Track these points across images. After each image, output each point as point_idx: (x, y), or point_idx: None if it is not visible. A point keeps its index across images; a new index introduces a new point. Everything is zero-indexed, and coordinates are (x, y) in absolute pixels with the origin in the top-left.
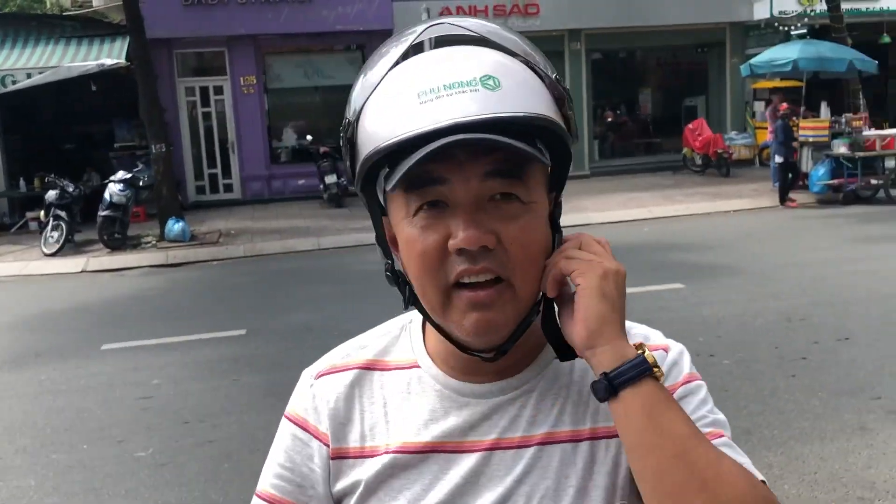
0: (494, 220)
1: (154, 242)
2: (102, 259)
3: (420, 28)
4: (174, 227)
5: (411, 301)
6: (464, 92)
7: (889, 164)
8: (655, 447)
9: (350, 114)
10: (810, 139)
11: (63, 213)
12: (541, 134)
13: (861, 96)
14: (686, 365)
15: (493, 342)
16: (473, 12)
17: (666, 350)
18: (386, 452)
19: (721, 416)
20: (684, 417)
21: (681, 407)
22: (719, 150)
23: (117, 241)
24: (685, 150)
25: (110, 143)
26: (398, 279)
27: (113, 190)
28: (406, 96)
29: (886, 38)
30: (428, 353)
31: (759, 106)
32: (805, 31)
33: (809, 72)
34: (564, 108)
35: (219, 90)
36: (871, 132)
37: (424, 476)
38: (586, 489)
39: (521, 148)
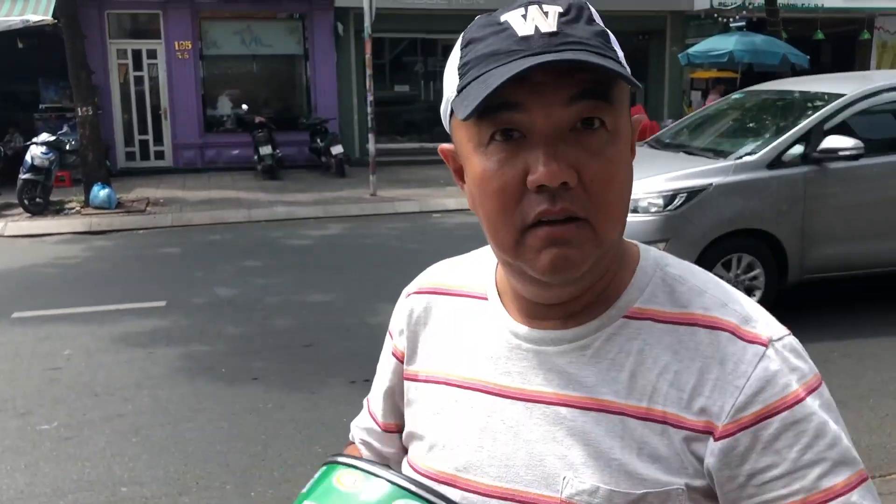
0: (577, 153)
1: (78, 209)
2: (21, 224)
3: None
4: (99, 193)
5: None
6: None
7: None
8: None
9: None
10: None
11: None
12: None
13: None
14: (794, 379)
15: (569, 279)
16: None
17: (765, 344)
18: (435, 382)
19: (845, 449)
20: None
21: None
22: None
23: (38, 205)
24: None
25: (37, 104)
26: None
27: (35, 152)
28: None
29: (820, 35)
30: (497, 287)
31: (695, 95)
32: (743, 23)
33: (744, 63)
34: None
35: (152, 54)
36: None
37: (468, 414)
38: (627, 468)
39: (611, 68)
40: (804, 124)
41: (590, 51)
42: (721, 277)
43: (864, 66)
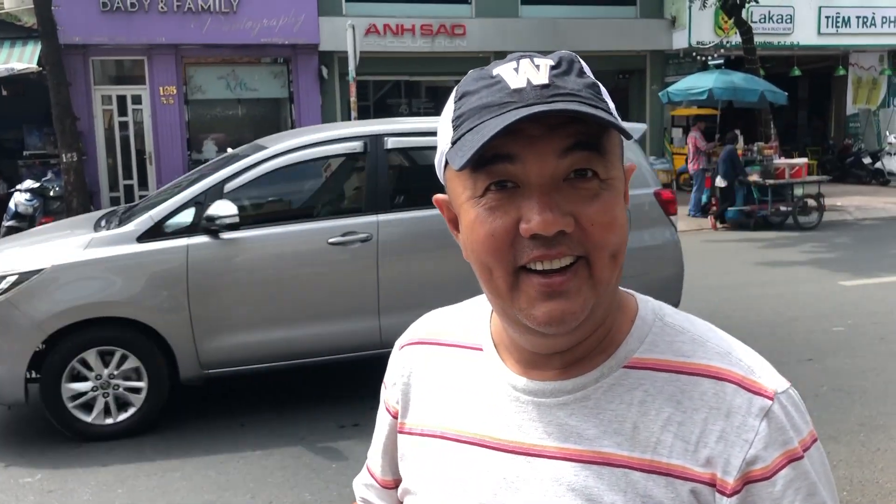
0: (572, 201)
1: None
2: None
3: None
4: None
5: None
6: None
7: (797, 191)
8: None
9: None
10: None
11: None
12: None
13: (772, 126)
14: (795, 436)
15: (566, 330)
16: (401, 31)
17: (771, 398)
18: (431, 435)
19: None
20: None
21: None
22: None
23: None
24: None
25: (21, 151)
26: None
27: (19, 199)
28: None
29: (797, 71)
30: (492, 337)
31: (676, 132)
32: (721, 61)
33: (724, 101)
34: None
35: (137, 99)
36: (780, 161)
37: (466, 469)
38: None
39: (602, 118)
40: (197, 187)
41: (581, 102)
42: (79, 375)
43: (841, 101)
